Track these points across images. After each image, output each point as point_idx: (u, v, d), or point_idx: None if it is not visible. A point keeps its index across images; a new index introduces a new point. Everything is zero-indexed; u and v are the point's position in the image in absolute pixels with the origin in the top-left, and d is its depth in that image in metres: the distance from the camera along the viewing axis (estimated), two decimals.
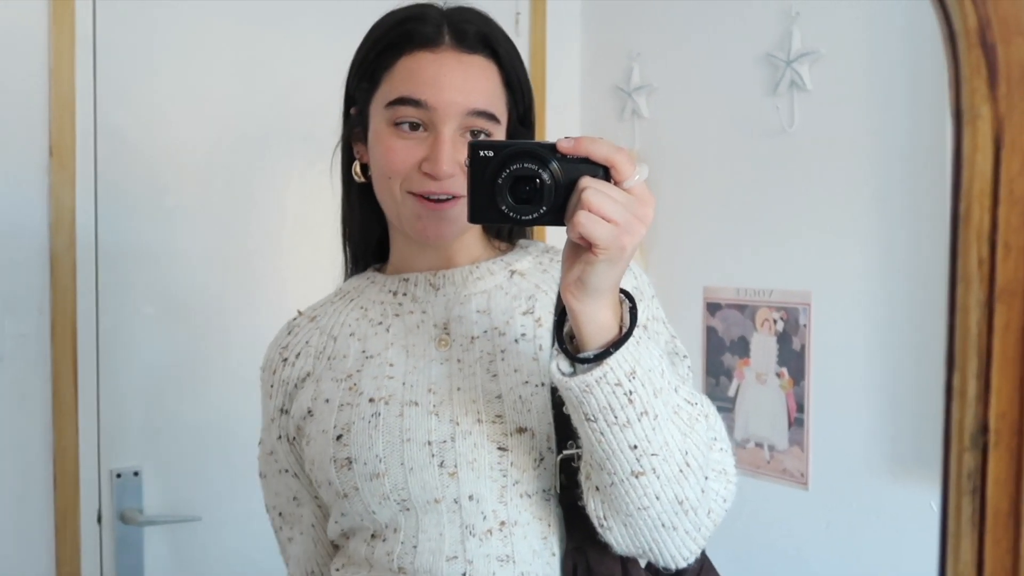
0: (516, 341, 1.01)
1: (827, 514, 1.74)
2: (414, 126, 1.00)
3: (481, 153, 0.83)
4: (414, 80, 1.00)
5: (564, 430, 0.94)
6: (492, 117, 1.02)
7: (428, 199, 0.99)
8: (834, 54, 1.72)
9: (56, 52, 1.77)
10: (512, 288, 1.06)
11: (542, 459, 0.96)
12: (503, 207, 0.81)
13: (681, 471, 0.86)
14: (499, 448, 0.96)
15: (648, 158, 2.12)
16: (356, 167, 1.09)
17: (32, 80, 1.76)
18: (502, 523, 0.96)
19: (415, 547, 0.97)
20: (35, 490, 1.78)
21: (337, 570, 1.06)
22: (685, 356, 1.05)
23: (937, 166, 1.55)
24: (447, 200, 0.99)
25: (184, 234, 1.94)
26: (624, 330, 0.83)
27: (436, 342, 1.03)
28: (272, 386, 1.13)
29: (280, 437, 1.12)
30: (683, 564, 0.93)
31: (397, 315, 1.07)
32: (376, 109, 1.03)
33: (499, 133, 1.04)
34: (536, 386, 0.98)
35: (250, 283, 2.01)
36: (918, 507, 1.60)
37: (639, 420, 0.83)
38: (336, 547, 1.11)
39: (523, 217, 0.82)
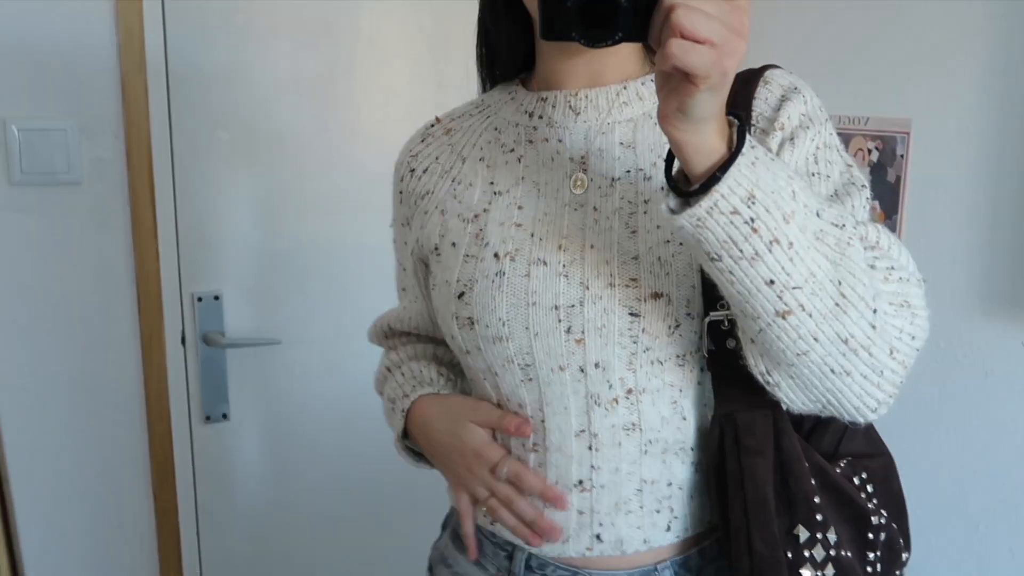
0: (662, 188, 0.90)
1: None
2: None
3: None
4: None
5: (712, 291, 0.86)
6: None
7: None
8: None
9: None
10: None
11: (678, 325, 0.88)
12: (573, 33, 0.73)
13: (837, 304, 0.76)
14: (631, 314, 0.88)
15: None
16: None
17: None
18: (629, 391, 0.90)
19: (543, 423, 0.94)
20: (120, 313, 1.83)
21: None
22: (864, 186, 0.91)
23: None
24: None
25: (255, 55, 1.89)
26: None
27: (572, 181, 0.94)
28: (401, 192, 1.09)
29: (406, 243, 1.09)
30: (872, 416, 0.84)
31: (531, 142, 0.98)
32: None
33: None
34: (680, 244, 0.88)
35: (324, 106, 1.97)
36: (1009, 346, 1.54)
37: (769, 251, 0.73)
38: None
39: (596, 45, 0.74)
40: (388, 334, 1.21)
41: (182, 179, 1.85)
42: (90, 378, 1.82)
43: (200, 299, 1.90)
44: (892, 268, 0.84)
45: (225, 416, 1.98)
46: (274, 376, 2.01)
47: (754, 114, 0.92)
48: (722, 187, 0.72)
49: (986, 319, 1.58)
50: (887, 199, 1.69)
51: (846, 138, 1.76)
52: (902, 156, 1.66)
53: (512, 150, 0.99)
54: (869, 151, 1.72)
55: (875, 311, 0.79)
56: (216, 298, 1.92)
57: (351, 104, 1.99)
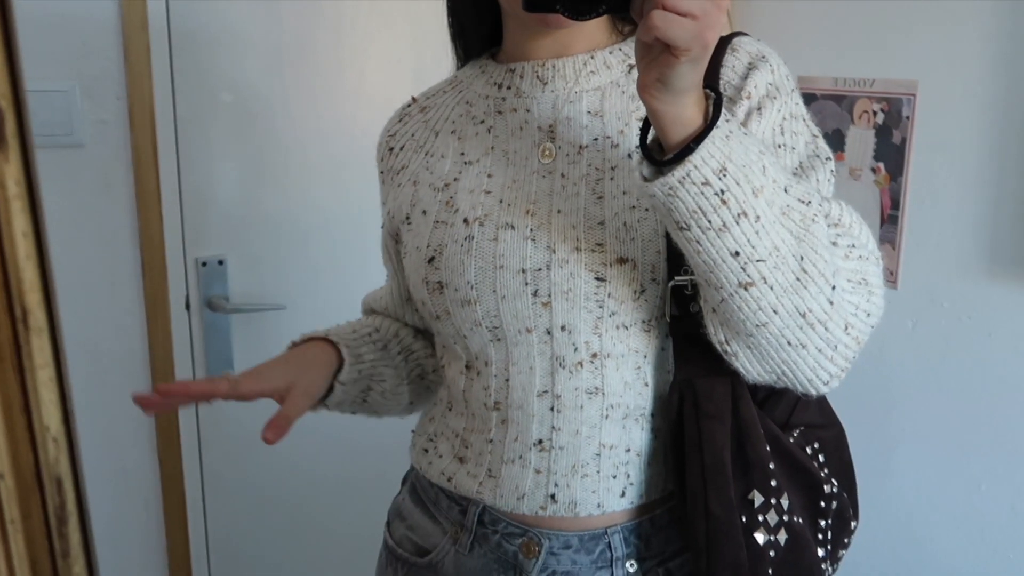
0: (630, 156, 0.92)
1: (914, 314, 1.71)
2: None
3: None
4: None
5: (677, 257, 0.88)
6: None
7: None
8: None
9: None
10: (630, 86, 0.95)
11: (643, 290, 0.90)
12: (557, 5, 0.75)
13: (798, 279, 0.78)
14: (597, 278, 0.90)
15: None
16: None
17: None
18: (594, 355, 0.91)
19: (507, 381, 0.95)
20: (124, 277, 1.82)
21: (450, 409, 1.05)
22: (828, 158, 0.93)
23: None
24: None
25: (259, 16, 1.88)
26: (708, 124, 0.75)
27: (540, 150, 0.95)
28: (382, 172, 1.11)
29: (384, 224, 1.10)
30: (824, 388, 0.86)
31: (500, 112, 0.99)
32: None
33: None
34: (646, 210, 0.90)
35: (329, 69, 1.96)
36: (1012, 307, 1.55)
37: (737, 223, 0.75)
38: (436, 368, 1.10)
39: (580, 17, 0.75)
40: (367, 312, 1.24)
41: (185, 142, 1.84)
42: (94, 343, 1.82)
43: (204, 264, 1.90)
44: (853, 246, 0.85)
45: None
46: (279, 342, 1.97)
47: (721, 82, 0.93)
48: (695, 158, 0.74)
49: (990, 280, 1.58)
50: (892, 161, 1.70)
51: (852, 100, 1.76)
52: (908, 118, 1.66)
53: (482, 121, 1.00)
54: (875, 113, 1.72)
55: (834, 287, 0.81)
56: (220, 263, 1.91)
57: (355, 67, 1.98)
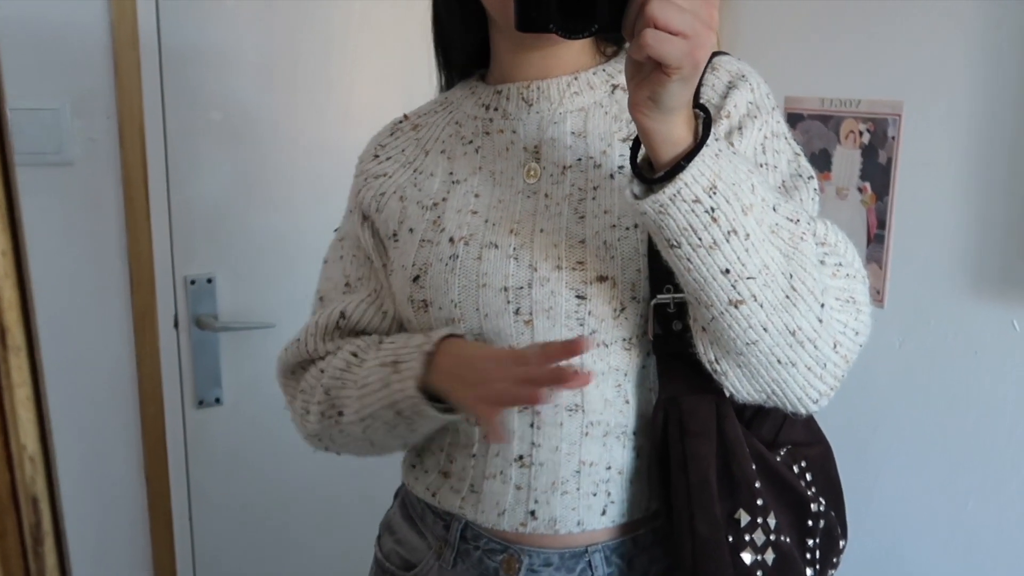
0: (612, 176, 0.93)
1: (901, 332, 1.71)
2: None
3: None
4: None
5: (660, 276, 0.88)
6: None
7: None
8: None
9: None
10: (613, 107, 0.97)
11: (623, 308, 0.90)
12: (551, 24, 0.75)
13: (788, 297, 0.79)
14: (577, 296, 0.90)
15: None
16: None
17: None
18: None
19: None
20: (113, 295, 1.82)
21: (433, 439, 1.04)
22: (811, 177, 0.94)
23: None
24: None
25: (249, 35, 1.89)
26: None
27: (525, 171, 0.97)
28: (359, 175, 1.11)
29: (363, 223, 1.08)
30: (813, 407, 0.87)
31: (487, 133, 1.01)
32: None
33: None
34: (626, 229, 0.91)
35: (318, 88, 1.97)
36: (997, 325, 1.56)
37: (727, 240, 0.76)
38: None
39: (573, 36, 0.76)
40: (349, 334, 1.08)
41: (175, 161, 1.84)
42: (82, 361, 1.81)
43: (193, 282, 1.90)
44: (840, 264, 0.87)
45: (218, 400, 1.97)
46: (268, 360, 1.98)
47: (700, 100, 0.93)
48: (686, 176, 0.75)
49: (976, 299, 1.59)
50: (878, 181, 1.71)
51: (838, 120, 1.77)
52: (893, 138, 1.67)
53: (471, 142, 1.01)
54: (861, 133, 1.73)
55: (823, 305, 0.82)
56: (209, 281, 1.91)
57: (344, 86, 1.99)
